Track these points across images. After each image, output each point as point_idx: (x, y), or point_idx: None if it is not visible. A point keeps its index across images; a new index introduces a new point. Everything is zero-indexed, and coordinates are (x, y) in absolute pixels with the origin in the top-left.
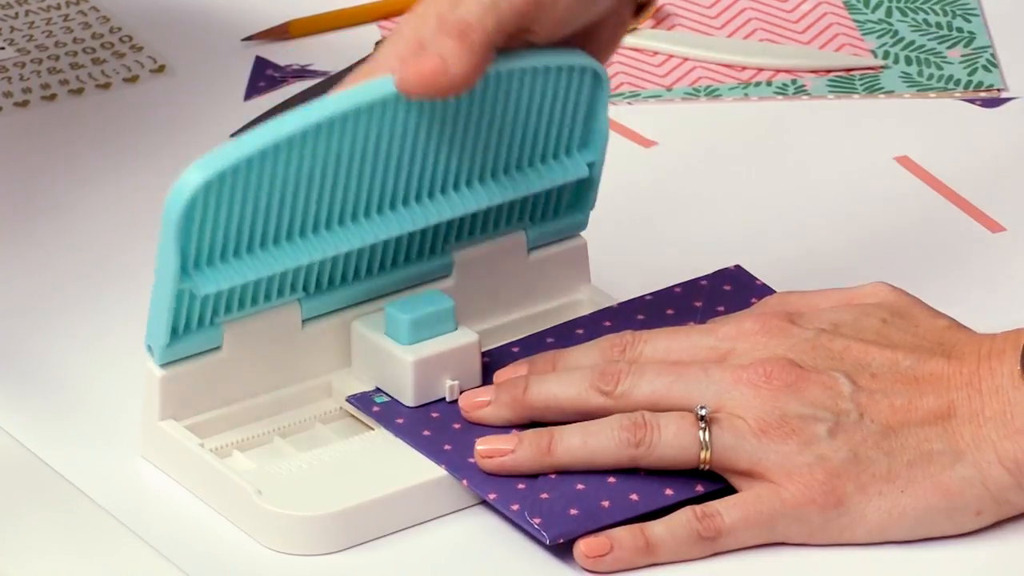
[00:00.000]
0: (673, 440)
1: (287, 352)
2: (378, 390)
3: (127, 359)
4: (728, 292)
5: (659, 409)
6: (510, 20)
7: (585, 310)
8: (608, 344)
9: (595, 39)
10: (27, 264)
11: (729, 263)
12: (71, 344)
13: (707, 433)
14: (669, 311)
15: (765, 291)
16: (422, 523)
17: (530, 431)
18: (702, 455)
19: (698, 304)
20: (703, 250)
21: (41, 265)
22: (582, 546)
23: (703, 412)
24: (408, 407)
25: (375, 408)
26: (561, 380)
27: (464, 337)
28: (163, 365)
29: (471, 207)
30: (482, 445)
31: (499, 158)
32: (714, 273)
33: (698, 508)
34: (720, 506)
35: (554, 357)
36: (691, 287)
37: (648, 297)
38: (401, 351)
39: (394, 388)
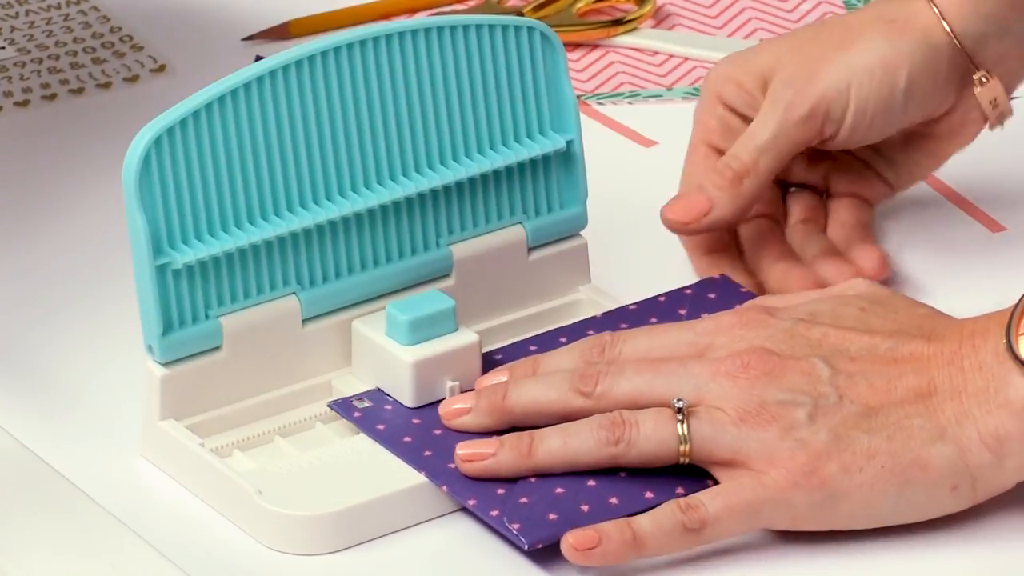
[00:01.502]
0: (652, 435)
1: (287, 352)
2: (360, 396)
3: (127, 359)
4: (713, 300)
5: (640, 407)
6: (791, 154)
7: (585, 310)
8: (587, 346)
9: (932, 148)
10: (27, 263)
11: None
12: (71, 344)
13: (685, 426)
14: (653, 319)
15: (750, 299)
16: (422, 523)
17: (511, 434)
18: (682, 448)
19: (682, 312)
20: None
21: (41, 264)
22: (571, 539)
23: (679, 405)
24: (390, 411)
25: (356, 413)
26: (540, 384)
27: (464, 338)
28: (163, 364)
29: (452, 177)
30: (462, 449)
31: (479, 135)
32: (699, 282)
33: (682, 500)
34: (703, 497)
35: (534, 362)
36: (676, 296)
37: (632, 307)
38: (401, 352)
39: (394, 389)
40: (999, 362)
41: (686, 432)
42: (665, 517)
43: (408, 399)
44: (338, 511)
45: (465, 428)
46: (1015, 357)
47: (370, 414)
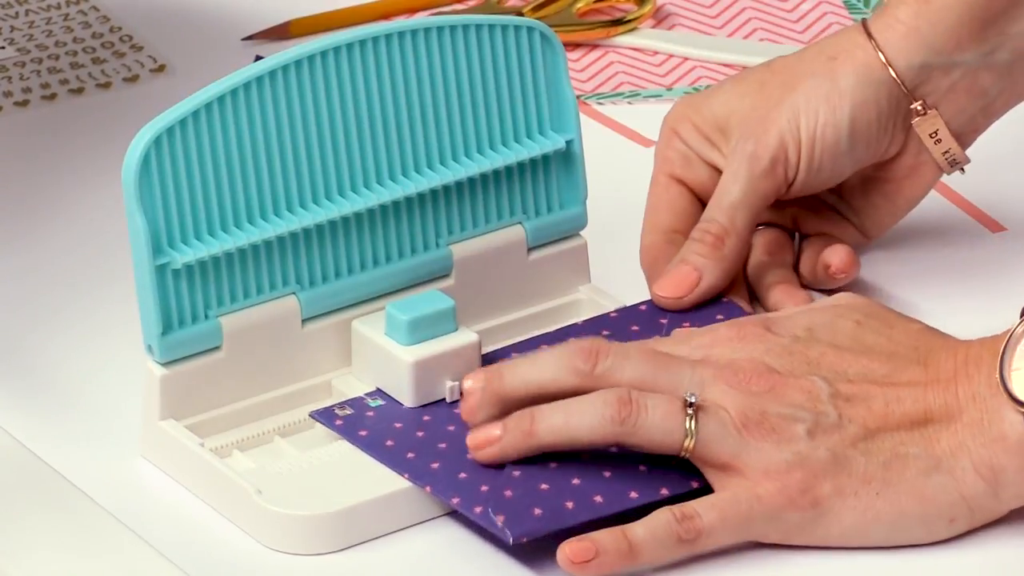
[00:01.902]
0: (660, 423)
1: (287, 351)
2: (341, 404)
3: (127, 359)
4: (692, 308)
5: None
6: (763, 207)
7: (585, 310)
8: (579, 356)
9: (890, 194)
10: (27, 263)
11: None
12: (71, 344)
13: (693, 421)
14: (634, 328)
15: (731, 307)
16: (422, 523)
17: (513, 415)
18: (685, 443)
19: (663, 321)
20: None
21: (41, 264)
22: (567, 551)
23: (693, 399)
24: (372, 417)
25: (338, 422)
26: (535, 363)
27: (464, 338)
28: (163, 364)
29: (452, 177)
30: (473, 438)
31: (478, 135)
32: None
33: (676, 510)
34: (698, 507)
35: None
36: (656, 304)
37: (612, 314)
38: (401, 351)
39: (394, 389)
40: (992, 394)
41: (693, 427)
42: (659, 527)
43: (408, 399)
44: (337, 511)
45: (464, 417)
46: (1007, 391)
47: (351, 421)
